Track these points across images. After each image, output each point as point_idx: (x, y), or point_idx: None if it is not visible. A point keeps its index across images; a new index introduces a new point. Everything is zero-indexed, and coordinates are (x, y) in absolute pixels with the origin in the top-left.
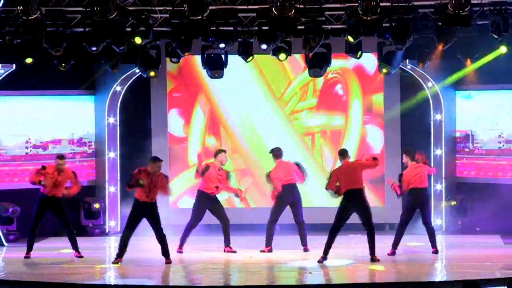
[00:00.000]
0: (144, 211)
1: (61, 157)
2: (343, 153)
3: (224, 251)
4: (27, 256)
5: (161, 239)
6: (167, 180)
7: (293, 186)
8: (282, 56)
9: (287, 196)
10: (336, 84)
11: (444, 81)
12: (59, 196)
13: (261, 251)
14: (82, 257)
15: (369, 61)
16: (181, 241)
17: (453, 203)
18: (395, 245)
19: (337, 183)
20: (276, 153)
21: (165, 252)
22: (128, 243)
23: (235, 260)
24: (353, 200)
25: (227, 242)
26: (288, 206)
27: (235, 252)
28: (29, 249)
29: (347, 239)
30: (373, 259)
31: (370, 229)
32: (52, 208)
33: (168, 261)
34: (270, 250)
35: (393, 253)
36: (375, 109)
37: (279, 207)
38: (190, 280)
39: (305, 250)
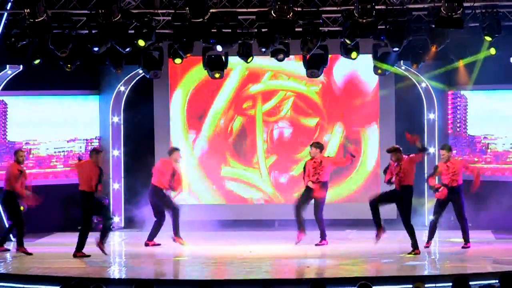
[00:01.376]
0: None
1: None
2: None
3: (175, 240)
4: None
5: None
6: None
7: None
8: (281, 56)
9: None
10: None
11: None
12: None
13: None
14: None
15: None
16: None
17: None
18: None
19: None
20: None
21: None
22: None
23: (234, 254)
24: None
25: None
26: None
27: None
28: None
29: (343, 234)
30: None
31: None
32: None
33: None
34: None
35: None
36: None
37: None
38: (188, 274)
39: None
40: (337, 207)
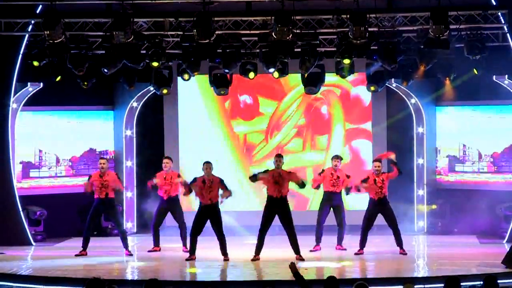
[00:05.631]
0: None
1: (101, 157)
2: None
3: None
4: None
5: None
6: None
7: None
8: (276, 74)
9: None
10: (321, 106)
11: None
12: (109, 197)
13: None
14: (131, 255)
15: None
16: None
17: (433, 207)
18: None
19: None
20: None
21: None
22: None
23: (238, 258)
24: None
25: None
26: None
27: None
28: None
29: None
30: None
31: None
32: (104, 210)
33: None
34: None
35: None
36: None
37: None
38: (191, 276)
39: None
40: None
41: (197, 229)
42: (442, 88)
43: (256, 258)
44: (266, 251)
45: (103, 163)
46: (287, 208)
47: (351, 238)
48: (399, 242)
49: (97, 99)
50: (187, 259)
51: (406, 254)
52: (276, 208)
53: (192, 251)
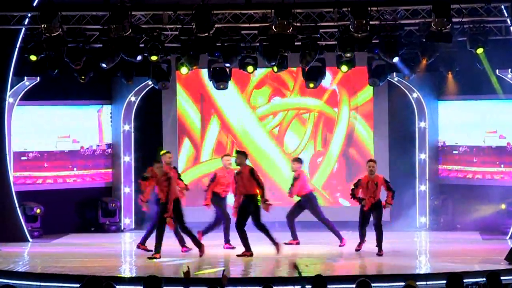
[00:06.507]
0: None
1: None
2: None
3: (224, 247)
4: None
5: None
6: None
7: None
8: (275, 68)
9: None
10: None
11: None
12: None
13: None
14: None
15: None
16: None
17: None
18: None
19: None
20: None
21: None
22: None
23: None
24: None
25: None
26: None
27: (234, 248)
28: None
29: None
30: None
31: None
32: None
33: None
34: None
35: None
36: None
37: None
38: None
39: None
40: (331, 211)
41: (164, 227)
42: (445, 82)
43: (248, 254)
44: (266, 249)
45: (170, 156)
46: (251, 207)
47: (351, 235)
48: (378, 243)
49: (95, 94)
50: (149, 258)
51: (382, 255)
52: (246, 208)
53: (158, 249)
